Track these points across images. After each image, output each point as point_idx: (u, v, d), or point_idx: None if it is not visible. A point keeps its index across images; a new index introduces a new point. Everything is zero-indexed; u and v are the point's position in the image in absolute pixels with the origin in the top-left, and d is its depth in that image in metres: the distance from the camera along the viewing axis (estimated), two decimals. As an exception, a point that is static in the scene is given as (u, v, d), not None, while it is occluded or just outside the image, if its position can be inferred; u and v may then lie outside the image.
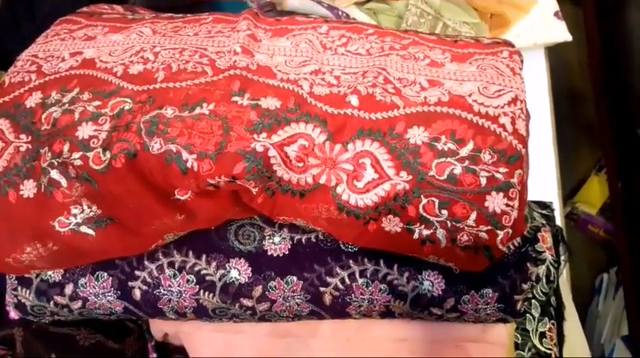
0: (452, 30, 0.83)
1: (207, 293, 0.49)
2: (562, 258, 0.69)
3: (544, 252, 0.65)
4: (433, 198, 0.43)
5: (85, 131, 0.44)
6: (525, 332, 0.61)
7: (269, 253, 0.50)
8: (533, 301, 0.63)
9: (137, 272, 0.49)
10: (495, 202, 0.42)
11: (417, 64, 0.49)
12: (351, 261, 0.49)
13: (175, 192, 0.44)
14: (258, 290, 0.49)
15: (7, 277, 0.51)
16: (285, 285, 0.49)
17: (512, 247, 0.50)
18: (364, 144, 0.44)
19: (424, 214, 0.43)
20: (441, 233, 0.43)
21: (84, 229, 0.46)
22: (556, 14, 0.92)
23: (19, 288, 0.50)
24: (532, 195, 0.69)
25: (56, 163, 0.44)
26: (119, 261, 0.50)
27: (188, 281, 0.49)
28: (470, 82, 0.47)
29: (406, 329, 0.55)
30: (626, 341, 1.26)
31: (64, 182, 0.44)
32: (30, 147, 0.46)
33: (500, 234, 0.43)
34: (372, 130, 0.44)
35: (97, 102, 0.46)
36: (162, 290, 0.49)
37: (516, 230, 0.44)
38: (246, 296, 0.49)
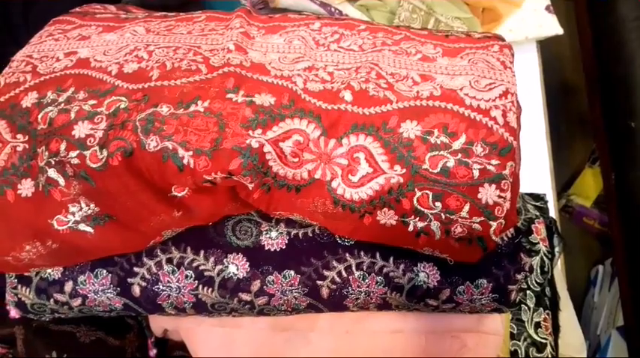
0: (444, 25, 0.83)
1: (205, 288, 0.50)
2: (556, 249, 0.70)
3: (538, 243, 0.66)
4: (427, 191, 0.43)
5: (81, 130, 0.44)
6: (521, 322, 0.62)
7: (266, 248, 0.50)
8: (528, 292, 0.64)
9: (136, 269, 0.50)
10: (488, 194, 0.43)
11: (409, 59, 0.50)
12: (347, 255, 0.50)
13: (172, 189, 0.45)
14: (256, 285, 0.50)
15: (7, 276, 0.51)
16: (283, 279, 0.50)
17: (505, 238, 0.51)
18: (358, 139, 0.44)
19: (418, 207, 0.44)
20: (435, 225, 0.44)
21: (82, 227, 0.46)
22: (547, 8, 0.93)
23: (19, 287, 0.51)
24: (526, 188, 0.70)
25: (53, 162, 0.44)
26: (118, 258, 0.50)
27: (187, 276, 0.50)
28: (461, 76, 0.48)
29: (402, 322, 0.56)
30: (622, 331, 1.27)
31: (61, 181, 0.45)
32: (27, 146, 0.47)
33: (494, 224, 0.43)
34: (365, 125, 0.45)
35: (92, 101, 0.46)
36: (161, 286, 0.50)
37: (509, 221, 0.45)
38: (244, 291, 0.50)
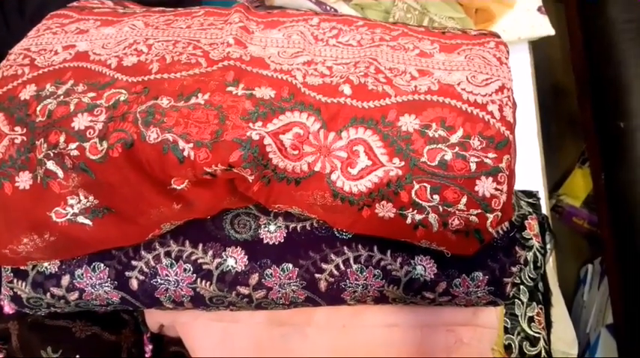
0: (438, 24, 0.84)
1: (204, 281, 0.50)
2: (548, 246, 0.71)
3: (531, 238, 0.67)
4: (425, 184, 0.44)
5: (80, 122, 0.44)
6: (514, 316, 0.63)
7: (265, 241, 0.50)
8: (521, 287, 0.64)
9: (134, 262, 0.50)
10: (485, 186, 0.44)
11: (407, 54, 0.51)
12: (345, 248, 0.50)
13: (172, 182, 0.45)
14: (254, 278, 0.50)
15: (3, 269, 0.51)
16: (281, 273, 0.50)
17: (501, 232, 0.51)
18: (357, 132, 0.45)
19: (416, 199, 0.44)
20: (432, 217, 0.45)
21: (81, 219, 0.46)
22: (539, 9, 0.94)
23: (15, 280, 0.51)
24: (518, 188, 0.71)
25: (52, 154, 0.44)
26: (116, 252, 0.50)
27: (185, 270, 0.50)
28: (458, 72, 0.49)
29: (398, 315, 0.57)
30: (611, 329, 1.28)
31: (60, 173, 0.45)
32: (25, 139, 0.47)
33: (490, 217, 0.44)
34: (364, 118, 0.45)
35: (91, 94, 0.46)
36: (159, 280, 0.50)
37: (505, 213, 0.45)
38: (242, 284, 0.50)
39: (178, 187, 0.45)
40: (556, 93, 1.62)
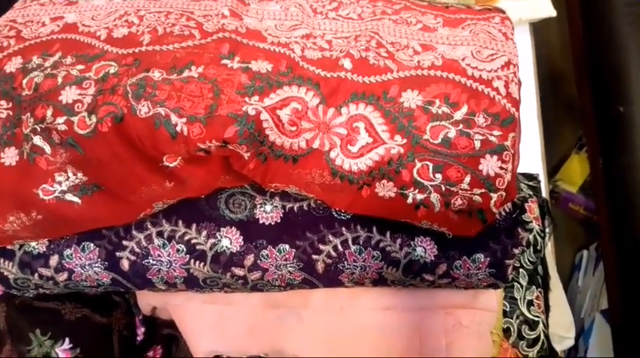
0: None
1: (197, 262, 0.48)
2: (547, 230, 0.69)
3: (531, 221, 0.65)
4: (427, 162, 0.43)
5: (68, 95, 0.42)
6: (513, 300, 0.62)
7: (260, 221, 0.49)
8: (520, 270, 0.63)
9: (125, 242, 0.48)
10: (489, 165, 0.42)
11: (410, 28, 0.49)
12: (343, 229, 0.49)
13: (164, 159, 0.43)
14: (249, 259, 0.48)
15: (-11, 249, 0.49)
16: (278, 254, 0.48)
17: (503, 213, 0.50)
18: (358, 108, 0.43)
19: (418, 178, 0.43)
20: (434, 197, 0.43)
21: (69, 197, 0.44)
22: (541, -10, 0.92)
23: (2, 261, 0.49)
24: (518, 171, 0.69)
25: (39, 129, 0.42)
26: (106, 231, 0.48)
27: (178, 250, 0.48)
28: (463, 46, 0.47)
29: (396, 298, 0.55)
30: (605, 315, 1.28)
31: (47, 148, 0.43)
32: (11, 113, 0.45)
33: (494, 196, 0.43)
34: (365, 94, 0.43)
35: (80, 66, 0.44)
36: (151, 261, 0.48)
37: (509, 194, 0.44)
38: (237, 266, 0.49)
39: (171, 165, 0.44)
40: (554, 79, 1.60)
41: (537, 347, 0.61)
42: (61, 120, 0.41)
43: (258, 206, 0.49)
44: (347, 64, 0.44)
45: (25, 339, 0.53)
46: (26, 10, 0.51)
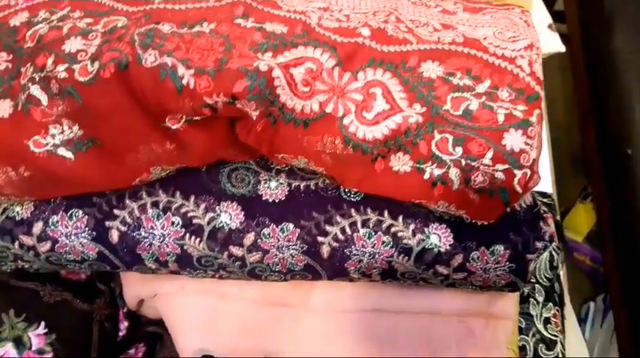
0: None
1: (193, 238, 0.45)
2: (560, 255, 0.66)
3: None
4: (447, 135, 0.40)
5: (72, 45, 0.40)
6: (529, 316, 0.57)
7: (264, 198, 0.46)
8: (536, 286, 0.59)
9: (116, 211, 0.45)
10: (513, 140, 0.39)
11: (429, 10, 0.48)
12: (352, 210, 0.45)
13: (166, 120, 0.40)
14: (249, 238, 0.45)
15: (-32, 212, 0.45)
16: (280, 233, 0.45)
17: (524, 205, 0.47)
18: (375, 74, 0.41)
19: (436, 152, 0.40)
20: (454, 172, 0.40)
21: (62, 152, 0.41)
22: (550, 26, 0.93)
23: (-19, 226, 0.45)
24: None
25: (38, 78, 0.40)
26: (97, 199, 0.45)
27: (173, 223, 0.45)
28: (484, 28, 0.45)
29: (405, 300, 0.51)
30: None
31: (44, 99, 0.40)
32: (10, 66, 0.42)
33: (518, 174, 0.40)
34: (384, 61, 0.41)
35: (88, 20, 0.42)
36: (142, 233, 0.45)
37: (533, 174, 0.41)
38: (236, 244, 0.45)
39: (173, 127, 0.41)
40: (557, 129, 1.60)
41: (555, 369, 0.56)
42: (61, 68, 0.39)
43: (263, 182, 0.46)
44: (365, 31, 0.42)
45: (-4, 320, 0.48)
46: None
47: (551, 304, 0.59)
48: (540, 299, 0.58)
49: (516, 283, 0.47)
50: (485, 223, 0.45)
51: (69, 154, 0.41)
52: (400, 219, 0.45)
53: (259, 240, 0.45)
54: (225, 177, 0.46)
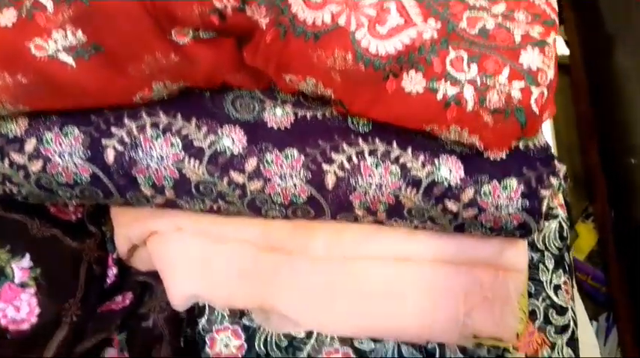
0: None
1: (192, 161, 0.42)
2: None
3: (556, 208, 0.60)
4: (462, 52, 0.39)
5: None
6: (539, 282, 0.55)
7: (269, 125, 0.44)
8: (546, 253, 0.57)
9: (114, 129, 0.43)
10: (531, 58, 0.38)
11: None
12: (360, 140, 0.44)
13: (173, 34, 0.39)
14: (251, 164, 0.43)
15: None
16: (284, 160, 0.43)
17: (537, 144, 0.45)
18: (390, -11, 0.40)
19: (451, 70, 0.39)
20: (468, 92, 0.39)
21: (63, 57, 0.39)
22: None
23: (-29, 142, 0.43)
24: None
25: (44, -18, 0.39)
26: (94, 117, 0.43)
27: (172, 144, 0.43)
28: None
29: (411, 245, 0.49)
30: None
31: (50, 5, 0.39)
32: (15, -25, 0.41)
33: (536, 92, 0.38)
34: (397, -20, 0.40)
35: None
36: (140, 153, 0.42)
37: (550, 99, 0.40)
38: (237, 169, 0.43)
39: (180, 42, 0.40)
40: (558, 150, 1.60)
41: (567, 336, 0.53)
42: (68, -31, 0.38)
43: (268, 109, 0.44)
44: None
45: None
46: None
47: (561, 271, 0.56)
48: (550, 266, 0.56)
49: (528, 225, 0.44)
50: (498, 158, 0.43)
51: (70, 60, 0.40)
52: (409, 150, 0.43)
53: (262, 167, 0.43)
54: (229, 104, 0.44)
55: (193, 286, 0.49)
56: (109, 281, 0.52)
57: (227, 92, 0.45)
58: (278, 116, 0.44)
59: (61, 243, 0.48)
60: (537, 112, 0.39)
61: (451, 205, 0.43)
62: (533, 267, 0.55)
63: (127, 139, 0.43)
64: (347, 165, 0.43)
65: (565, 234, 0.59)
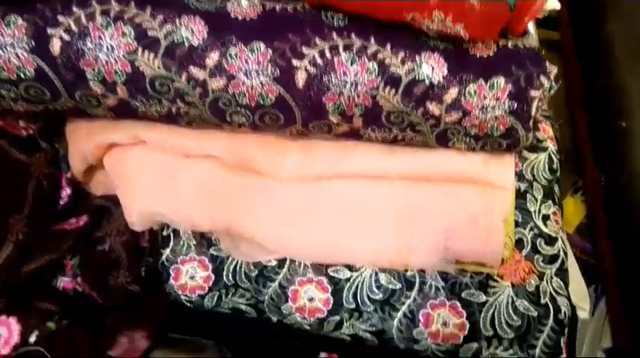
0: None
1: (146, 52, 0.38)
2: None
3: (545, 140, 0.57)
4: None
5: None
6: (526, 212, 0.51)
7: (233, 16, 0.40)
8: (534, 183, 0.54)
9: (60, 18, 0.38)
10: None
11: None
12: (334, 34, 0.40)
13: None
14: (213, 58, 0.39)
15: None
16: (250, 54, 0.39)
17: (527, 44, 0.41)
18: None
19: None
20: (452, -31, 0.35)
21: None
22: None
23: None
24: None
25: None
26: (40, 5, 0.39)
27: (124, 34, 0.38)
28: None
29: (389, 163, 0.45)
30: (609, 353, 1.16)
31: None
32: None
33: (526, -32, 0.35)
34: None
35: None
36: (88, 44, 0.38)
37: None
38: (197, 64, 0.39)
39: None
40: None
41: (556, 266, 0.49)
42: None
43: (232, 0, 0.40)
44: None
45: None
46: None
47: (550, 202, 0.53)
48: (539, 196, 0.52)
49: (516, 131, 0.41)
50: (485, 54, 0.39)
51: None
52: (388, 46, 0.39)
53: (224, 62, 0.39)
54: (190, -6, 0.40)
55: (153, 203, 0.45)
56: (62, 202, 0.47)
57: (188, -17, 0.41)
58: (243, 6, 0.40)
59: (7, 154, 0.44)
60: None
61: (433, 108, 0.40)
62: (520, 197, 0.51)
63: (74, 28, 0.38)
64: (319, 61, 0.39)
65: (555, 167, 0.56)
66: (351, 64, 0.39)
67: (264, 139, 0.45)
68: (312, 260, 0.47)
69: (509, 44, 0.40)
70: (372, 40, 0.40)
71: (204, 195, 0.45)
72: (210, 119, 0.42)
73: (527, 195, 0.52)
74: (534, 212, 0.51)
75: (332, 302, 0.47)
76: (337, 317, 0.47)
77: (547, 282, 0.48)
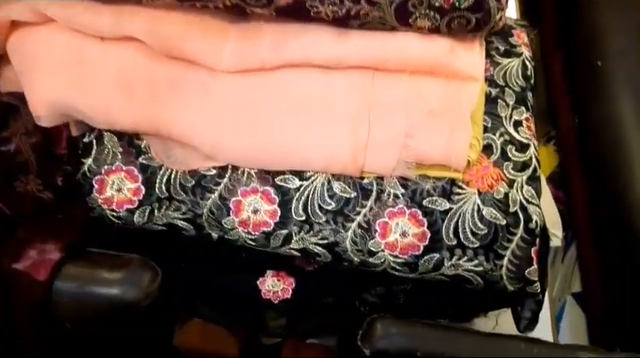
0: None
1: None
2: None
3: (519, 46, 0.52)
4: None
5: None
6: (496, 117, 0.46)
7: None
8: (506, 89, 0.48)
9: None
10: None
11: None
12: None
13: None
14: None
15: None
16: None
17: None
18: None
19: None
20: None
21: None
22: None
23: None
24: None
25: None
26: None
27: None
28: None
29: (340, 48, 0.39)
30: (577, 297, 1.16)
31: None
32: None
33: None
34: None
35: None
36: None
37: None
38: None
39: None
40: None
41: (527, 174, 0.45)
42: None
43: None
44: None
45: None
46: None
47: (523, 108, 0.48)
48: (510, 102, 0.47)
49: (487, 3, 0.35)
50: None
51: None
52: None
53: None
54: None
55: (62, 93, 0.38)
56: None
57: None
58: None
59: None
60: None
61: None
62: (490, 102, 0.46)
63: None
64: None
65: (529, 74, 0.50)
66: None
67: (194, 20, 0.38)
68: (256, 165, 0.41)
69: None
70: None
71: (124, 85, 0.38)
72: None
73: (499, 100, 0.47)
74: (505, 117, 0.46)
75: (279, 214, 0.42)
76: (285, 231, 0.42)
77: (517, 190, 0.44)
